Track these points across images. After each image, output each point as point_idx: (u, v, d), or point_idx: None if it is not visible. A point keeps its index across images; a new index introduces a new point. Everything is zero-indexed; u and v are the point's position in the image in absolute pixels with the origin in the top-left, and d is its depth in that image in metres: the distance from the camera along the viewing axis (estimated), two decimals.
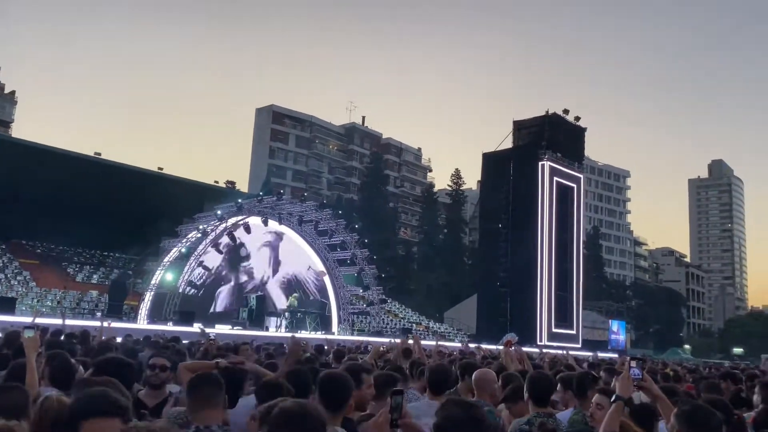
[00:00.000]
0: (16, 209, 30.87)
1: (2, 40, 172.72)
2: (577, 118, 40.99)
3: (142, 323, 22.77)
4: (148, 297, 24.64)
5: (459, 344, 20.80)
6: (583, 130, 41.78)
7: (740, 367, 16.35)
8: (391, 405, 2.56)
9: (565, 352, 13.92)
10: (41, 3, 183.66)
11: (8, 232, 34.39)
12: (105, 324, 11.87)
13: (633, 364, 3.18)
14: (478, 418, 2.34)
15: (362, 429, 3.42)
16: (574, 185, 39.89)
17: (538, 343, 33.40)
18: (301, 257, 31.06)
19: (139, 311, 24.64)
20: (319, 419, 2.19)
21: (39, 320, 11.39)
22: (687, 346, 74.77)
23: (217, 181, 42.90)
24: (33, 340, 4.06)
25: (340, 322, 30.48)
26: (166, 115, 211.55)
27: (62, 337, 8.40)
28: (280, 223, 28.77)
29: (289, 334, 21.69)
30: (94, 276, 34.63)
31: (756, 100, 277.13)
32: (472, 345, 16.72)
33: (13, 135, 51.07)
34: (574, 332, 38.24)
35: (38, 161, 31.10)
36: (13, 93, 67.94)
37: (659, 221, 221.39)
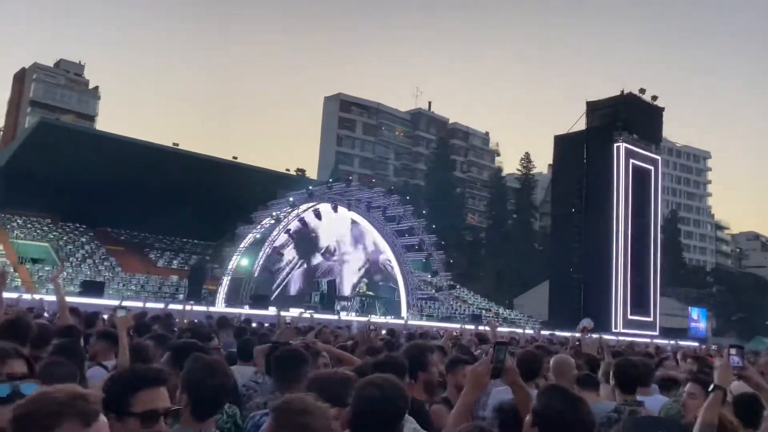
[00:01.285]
0: (101, 199, 32.52)
1: (87, 39, 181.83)
2: (654, 98, 39.32)
3: (220, 306, 23.66)
4: (225, 281, 25.57)
5: (531, 331, 20.50)
6: (661, 109, 40.04)
7: None
8: (494, 356, 2.53)
9: (650, 340, 13.48)
10: (120, 3, 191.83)
11: (95, 221, 36.35)
12: (187, 307, 12.37)
13: (733, 351, 3.02)
14: (585, 412, 2.26)
15: (433, 411, 3.42)
16: (652, 167, 38.35)
17: (613, 330, 32.52)
18: (371, 243, 31.36)
19: (217, 295, 25.59)
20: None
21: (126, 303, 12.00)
22: None
23: (288, 169, 43.83)
24: (124, 320, 4.30)
25: (408, 307, 30.62)
26: (238, 106, 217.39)
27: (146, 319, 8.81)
28: (349, 210, 29.15)
29: (362, 319, 22.00)
30: (174, 261, 36.16)
31: None
32: (544, 332, 16.44)
33: (97, 128, 53.81)
34: (651, 319, 36.97)
35: (121, 153, 32.57)
36: (96, 88, 71.59)
37: (743, 204, 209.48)
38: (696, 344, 25.58)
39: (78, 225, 36.47)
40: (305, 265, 30.05)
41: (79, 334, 5.03)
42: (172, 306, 17.18)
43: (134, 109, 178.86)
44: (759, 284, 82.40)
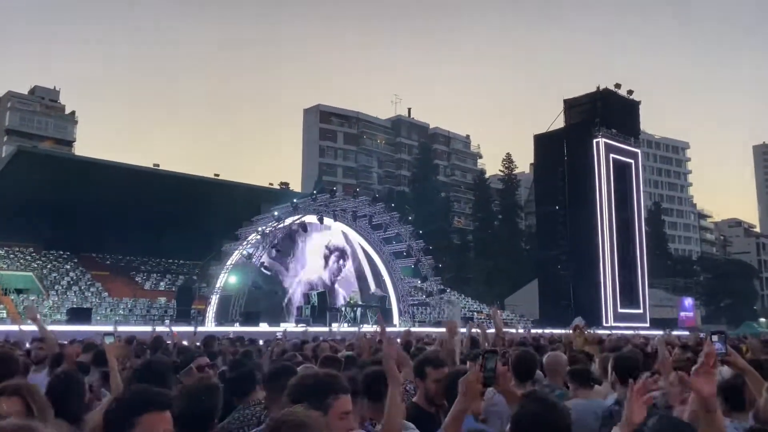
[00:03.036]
0: (84, 224, 32.23)
1: (62, 61, 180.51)
2: (630, 92, 39.81)
3: (209, 326, 23.47)
4: (214, 300, 25.37)
5: (522, 330, 20.55)
6: (637, 103, 40.56)
7: None
8: (483, 365, 2.51)
9: (634, 332, 13.59)
10: (95, 25, 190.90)
11: (79, 247, 35.97)
12: (168, 329, 12.21)
13: (715, 338, 3.03)
14: (557, 419, 2.24)
15: None
16: (632, 161, 38.78)
17: (605, 324, 32.73)
18: (358, 252, 31.36)
19: (206, 314, 25.39)
20: None
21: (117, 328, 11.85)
22: (763, 320, 71.48)
23: (271, 183, 43.83)
24: (113, 347, 4.28)
25: (401, 314, 30.62)
26: (218, 123, 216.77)
27: (134, 344, 8.71)
28: (335, 220, 29.18)
29: (353, 329, 21.92)
30: (161, 283, 35.83)
31: None
32: (535, 331, 16.51)
33: (76, 153, 53.36)
34: (641, 311, 37.29)
35: (101, 176, 32.31)
36: (73, 113, 70.98)
37: (724, 192, 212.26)
38: (687, 333, 25.83)
39: (62, 252, 36.04)
40: (295, 279, 29.93)
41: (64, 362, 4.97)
42: (160, 328, 17.06)
43: (113, 131, 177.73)
44: (744, 270, 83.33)
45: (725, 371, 3.33)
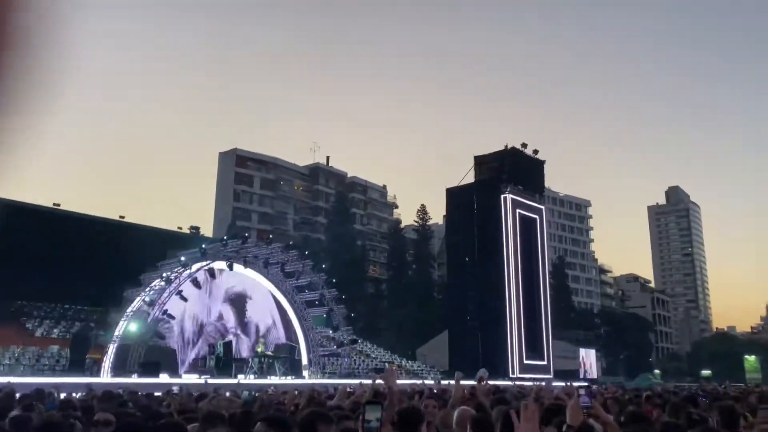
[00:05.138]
0: None
1: None
2: (536, 152, 42.00)
3: (105, 377, 22.07)
4: (112, 349, 23.95)
5: (432, 381, 20.69)
6: (542, 162, 42.78)
7: (707, 389, 16.63)
8: (363, 417, 2.41)
9: (538, 383, 14.00)
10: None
11: None
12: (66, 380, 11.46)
13: (582, 391, 3.21)
14: None
15: None
16: (537, 216, 40.62)
17: (511, 375, 33.45)
18: (268, 301, 30.69)
19: (103, 364, 23.89)
20: None
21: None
22: (657, 371, 75.56)
23: (180, 227, 42.44)
24: None
25: (310, 365, 30.01)
26: (125, 162, 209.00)
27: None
28: (245, 267, 28.53)
29: (259, 381, 21.26)
30: (55, 330, 33.50)
31: (707, 125, 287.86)
32: (445, 382, 16.66)
33: None
34: (545, 363, 38.41)
35: None
36: None
37: (622, 248, 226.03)
38: (586, 384, 26.82)
39: None
40: (199, 328, 28.84)
41: None
42: (50, 379, 15.90)
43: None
44: (640, 323, 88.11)
45: (598, 427, 3.54)
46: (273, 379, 23.72)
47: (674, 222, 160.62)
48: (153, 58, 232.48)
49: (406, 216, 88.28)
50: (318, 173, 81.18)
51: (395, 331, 58.50)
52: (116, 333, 24.25)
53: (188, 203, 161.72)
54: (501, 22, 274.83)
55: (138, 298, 24.78)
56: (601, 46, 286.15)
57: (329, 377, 27.73)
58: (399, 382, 8.13)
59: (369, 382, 9.47)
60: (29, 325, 33.23)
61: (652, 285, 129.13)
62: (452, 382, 16.11)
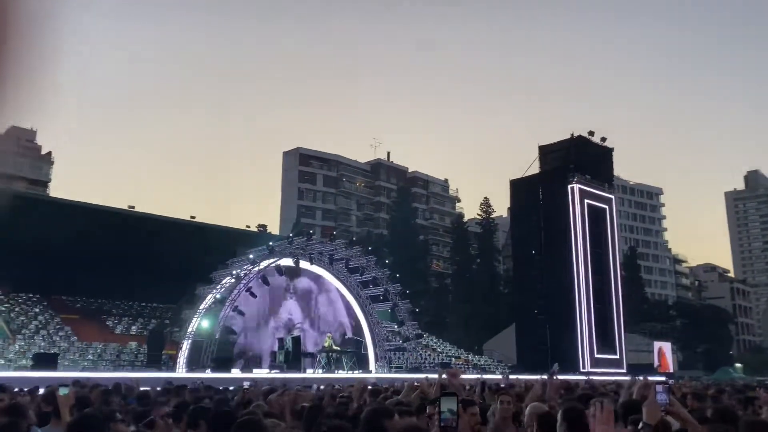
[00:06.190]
0: (55, 266, 31.56)
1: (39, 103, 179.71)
2: (603, 139, 40.66)
3: (181, 372, 22.88)
4: (186, 345, 24.80)
5: (500, 376, 20.36)
6: (611, 150, 41.39)
7: None
8: (439, 408, 2.35)
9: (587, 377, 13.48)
10: (68, 64, 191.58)
11: (48, 289, 35.10)
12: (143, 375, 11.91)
13: (659, 388, 3.02)
14: None
15: None
16: (606, 206, 39.34)
17: (582, 370, 32.58)
18: (334, 296, 31.06)
19: (178, 360, 24.78)
20: None
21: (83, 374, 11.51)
22: (738, 365, 71.89)
23: (248, 226, 43.47)
24: (67, 398, 4.13)
25: (377, 360, 30.18)
26: (196, 165, 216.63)
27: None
28: (311, 263, 28.96)
29: (327, 375, 21.54)
30: (133, 327, 35.01)
31: None
32: (512, 377, 16.33)
33: (51, 194, 52.68)
34: (617, 357, 37.19)
35: (74, 218, 31.88)
36: (49, 154, 70.32)
37: (698, 237, 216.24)
38: (663, 378, 25.78)
39: (31, 295, 35.08)
40: (270, 324, 29.48)
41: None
42: (131, 374, 16.61)
43: (89, 172, 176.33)
44: (719, 315, 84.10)
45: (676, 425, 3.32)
46: (340, 374, 23.98)
47: (754, 208, 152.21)
48: (219, 63, 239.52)
49: (469, 210, 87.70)
50: (379, 169, 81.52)
51: (461, 325, 58.08)
52: (189, 329, 25.09)
53: (256, 203, 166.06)
54: (566, 10, 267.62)
55: (209, 296, 25.54)
56: (673, 26, 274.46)
57: (396, 371, 27.77)
58: (463, 376, 7.99)
59: (435, 376, 9.36)
60: (109, 323, 34.87)
61: (732, 274, 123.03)
62: (519, 377, 15.74)
